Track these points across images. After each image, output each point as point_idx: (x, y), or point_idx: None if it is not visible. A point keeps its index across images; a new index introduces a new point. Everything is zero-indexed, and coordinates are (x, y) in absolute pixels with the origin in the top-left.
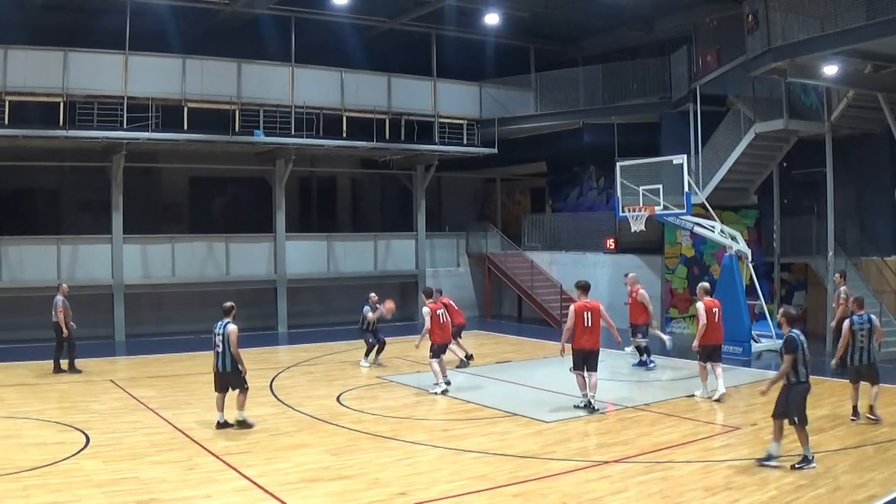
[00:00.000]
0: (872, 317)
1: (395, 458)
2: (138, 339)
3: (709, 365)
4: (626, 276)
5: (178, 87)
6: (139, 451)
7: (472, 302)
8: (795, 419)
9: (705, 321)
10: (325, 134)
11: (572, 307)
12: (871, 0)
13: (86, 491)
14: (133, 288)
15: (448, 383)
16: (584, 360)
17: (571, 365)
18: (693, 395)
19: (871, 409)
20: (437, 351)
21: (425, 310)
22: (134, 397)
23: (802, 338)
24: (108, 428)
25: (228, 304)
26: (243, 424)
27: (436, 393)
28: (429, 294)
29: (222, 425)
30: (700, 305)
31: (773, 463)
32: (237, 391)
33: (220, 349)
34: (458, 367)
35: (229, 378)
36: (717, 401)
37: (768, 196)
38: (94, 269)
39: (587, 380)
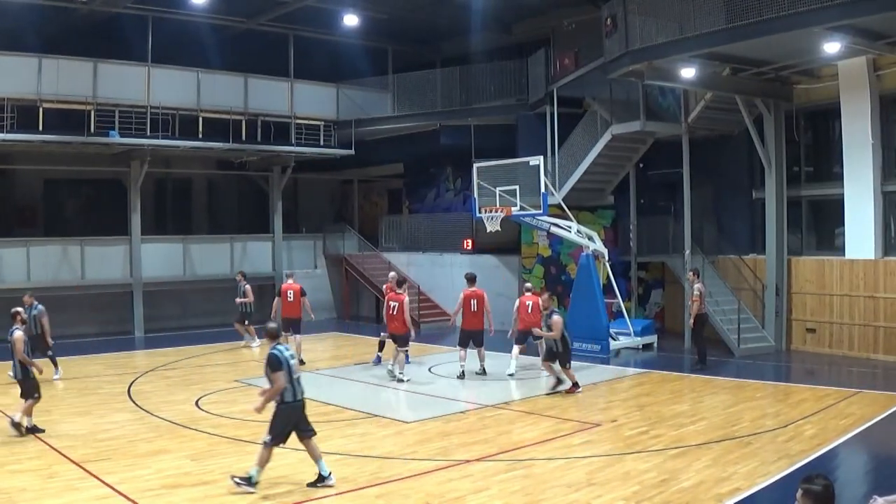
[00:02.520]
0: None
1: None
2: None
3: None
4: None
5: (34, 87)
6: None
7: (329, 303)
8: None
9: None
10: (181, 135)
11: (462, 293)
12: (730, 4)
13: None
14: None
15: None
16: (471, 338)
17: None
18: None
19: None
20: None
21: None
22: None
23: (287, 354)
24: None
25: (14, 309)
26: (32, 430)
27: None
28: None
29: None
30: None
31: (250, 489)
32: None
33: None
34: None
35: (20, 385)
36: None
37: (625, 196)
38: None
39: (477, 353)
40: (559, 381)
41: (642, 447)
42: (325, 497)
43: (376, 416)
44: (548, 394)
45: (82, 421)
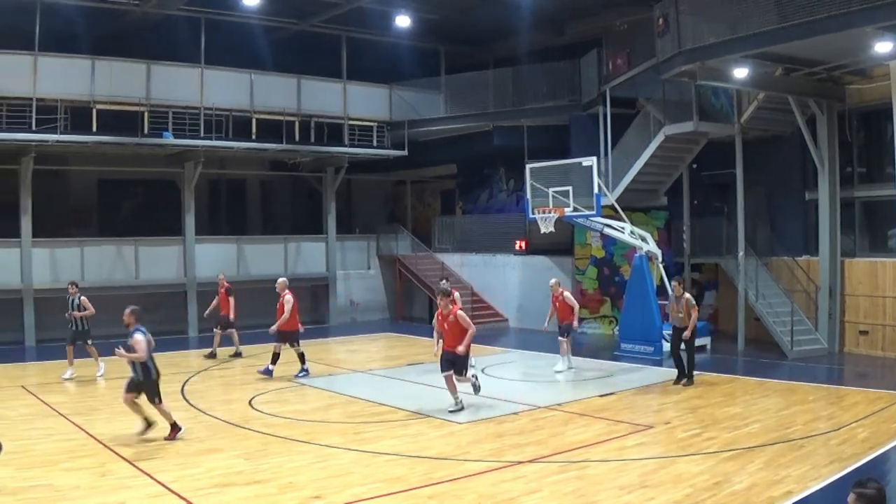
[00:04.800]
0: None
1: (309, 462)
2: (48, 345)
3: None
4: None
5: (88, 89)
6: (51, 458)
7: (382, 304)
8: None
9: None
10: (235, 136)
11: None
12: (781, 4)
13: None
14: (42, 292)
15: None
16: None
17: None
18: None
19: None
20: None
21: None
22: (45, 403)
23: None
24: (19, 435)
25: (132, 308)
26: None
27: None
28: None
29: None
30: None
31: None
32: None
33: None
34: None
35: (143, 387)
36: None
37: (678, 197)
38: (2, 273)
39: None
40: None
41: (695, 449)
42: (377, 497)
43: (429, 416)
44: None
45: (136, 419)
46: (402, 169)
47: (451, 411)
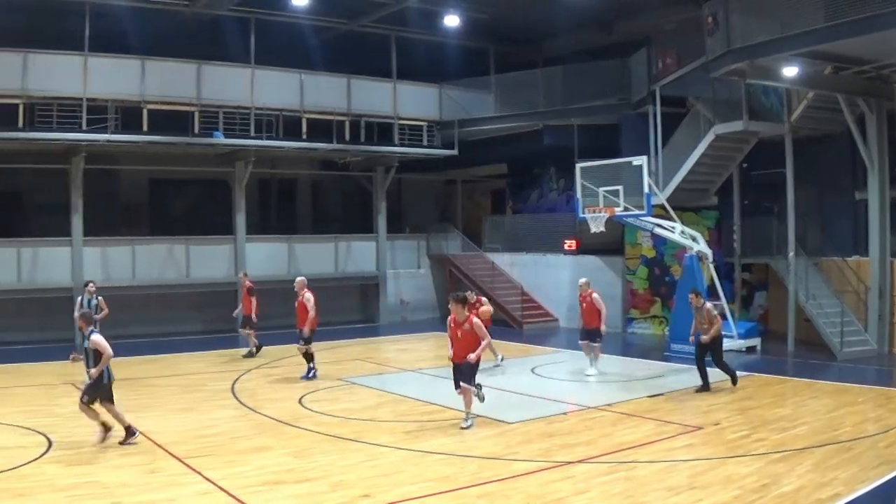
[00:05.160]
0: None
1: (359, 460)
2: None
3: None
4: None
5: (138, 89)
6: (101, 455)
7: (433, 303)
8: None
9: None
10: (285, 136)
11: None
12: (829, 2)
13: (48, 495)
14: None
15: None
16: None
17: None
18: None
19: None
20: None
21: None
22: None
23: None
24: (71, 432)
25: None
26: None
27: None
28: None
29: None
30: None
31: None
32: None
33: None
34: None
35: None
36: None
37: (729, 197)
38: (54, 271)
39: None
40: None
41: (744, 451)
42: (425, 496)
43: (479, 416)
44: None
45: (186, 417)
46: (453, 168)
47: (462, 427)
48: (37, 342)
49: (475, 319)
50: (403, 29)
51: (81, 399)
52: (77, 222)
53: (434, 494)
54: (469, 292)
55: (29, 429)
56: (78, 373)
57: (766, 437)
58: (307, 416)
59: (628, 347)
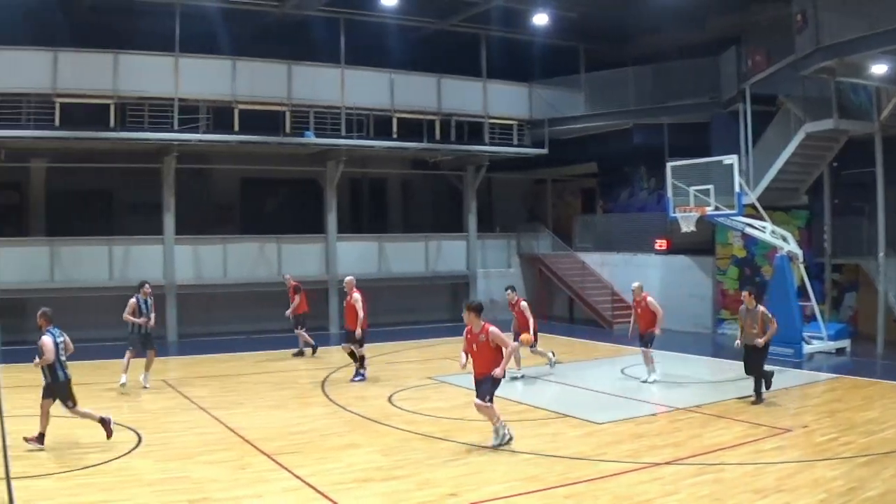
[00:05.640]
0: None
1: (447, 459)
2: (190, 340)
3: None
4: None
5: (229, 89)
6: (190, 451)
7: None
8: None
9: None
10: (376, 135)
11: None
12: None
13: (136, 490)
14: (185, 288)
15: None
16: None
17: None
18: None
19: None
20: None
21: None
22: (186, 397)
23: (60, 338)
24: (160, 427)
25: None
26: None
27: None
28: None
29: None
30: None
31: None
32: None
33: None
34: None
35: None
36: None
37: (819, 196)
38: (146, 269)
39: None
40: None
41: (832, 454)
42: (513, 496)
43: (567, 416)
44: None
45: (276, 414)
46: (543, 167)
47: (494, 445)
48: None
49: (492, 329)
50: (492, 28)
51: (69, 407)
52: (169, 221)
53: (521, 494)
54: (509, 290)
55: (120, 424)
56: (169, 370)
57: (853, 441)
58: (396, 414)
59: (718, 348)
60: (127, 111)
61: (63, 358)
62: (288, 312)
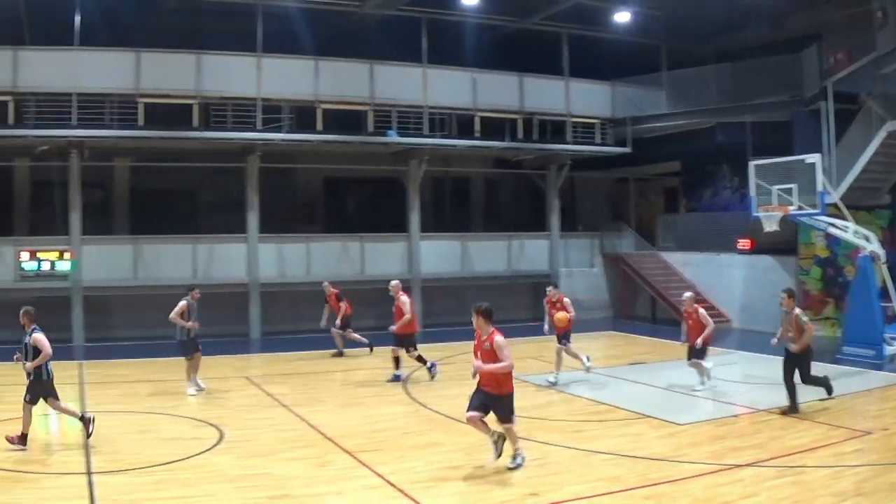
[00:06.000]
0: None
1: (527, 459)
2: (273, 337)
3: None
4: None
5: (312, 89)
6: (272, 448)
7: (605, 302)
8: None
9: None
10: (458, 134)
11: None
12: None
13: (216, 486)
14: (268, 286)
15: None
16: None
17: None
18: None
19: None
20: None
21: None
22: (268, 394)
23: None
24: (242, 424)
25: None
26: None
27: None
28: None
29: None
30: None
31: None
32: None
33: None
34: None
35: None
36: None
37: None
38: (230, 268)
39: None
40: None
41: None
42: (593, 496)
43: (649, 416)
44: None
45: (357, 411)
46: (625, 166)
47: (510, 467)
48: (212, 336)
49: (497, 338)
50: (574, 26)
51: (25, 398)
52: (253, 219)
53: (601, 495)
54: (551, 288)
55: (202, 420)
56: (252, 367)
57: None
58: None
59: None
60: (210, 111)
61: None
62: (337, 321)
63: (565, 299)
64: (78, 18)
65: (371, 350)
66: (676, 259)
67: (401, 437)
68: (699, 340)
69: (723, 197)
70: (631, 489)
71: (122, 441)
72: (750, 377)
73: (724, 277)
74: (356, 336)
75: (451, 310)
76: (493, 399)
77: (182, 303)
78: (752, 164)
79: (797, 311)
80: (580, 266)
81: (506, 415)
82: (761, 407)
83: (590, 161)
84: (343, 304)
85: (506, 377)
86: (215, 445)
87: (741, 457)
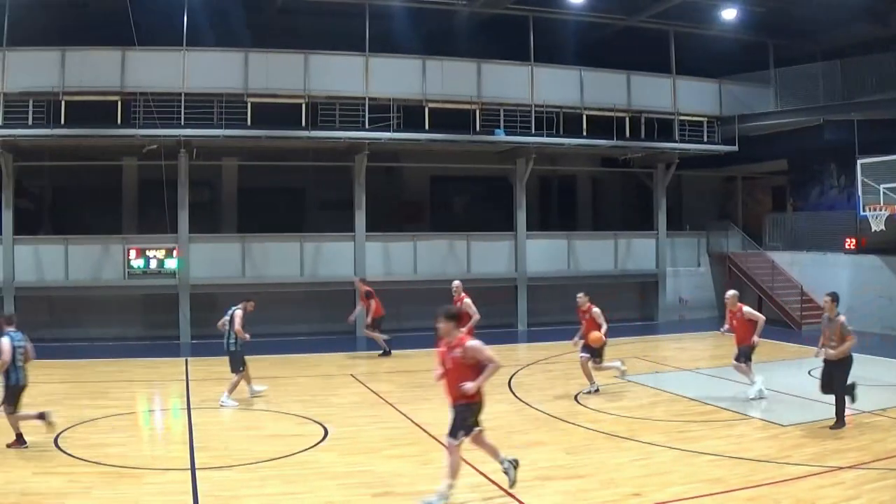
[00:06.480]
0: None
1: (631, 459)
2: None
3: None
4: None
5: (419, 88)
6: (375, 445)
7: (711, 302)
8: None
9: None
10: (565, 132)
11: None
12: None
13: (320, 482)
14: (375, 285)
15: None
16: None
17: None
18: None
19: None
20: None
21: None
22: (373, 392)
23: (21, 343)
24: (346, 421)
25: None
26: None
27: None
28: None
29: None
30: None
31: None
32: None
33: None
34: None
35: None
36: None
37: None
38: (336, 266)
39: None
40: None
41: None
42: (696, 497)
43: (753, 417)
44: None
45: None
46: (733, 164)
47: (511, 483)
48: (319, 334)
49: (470, 343)
50: (681, 23)
51: (6, 410)
52: (360, 218)
53: (704, 496)
54: (581, 294)
55: (306, 418)
56: (357, 365)
57: None
58: (582, 412)
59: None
60: (318, 110)
61: (20, 363)
62: (368, 319)
63: (595, 309)
64: (185, 19)
65: (389, 354)
66: (783, 258)
67: (504, 436)
68: (754, 338)
69: (830, 196)
70: (733, 490)
71: (227, 437)
72: (853, 377)
73: (830, 277)
74: (377, 335)
75: (555, 310)
76: (461, 408)
77: (239, 312)
78: (860, 162)
79: (842, 317)
80: (687, 265)
81: (457, 427)
82: (865, 409)
83: (697, 159)
84: (373, 303)
85: (483, 376)
86: (319, 442)
87: (844, 459)
